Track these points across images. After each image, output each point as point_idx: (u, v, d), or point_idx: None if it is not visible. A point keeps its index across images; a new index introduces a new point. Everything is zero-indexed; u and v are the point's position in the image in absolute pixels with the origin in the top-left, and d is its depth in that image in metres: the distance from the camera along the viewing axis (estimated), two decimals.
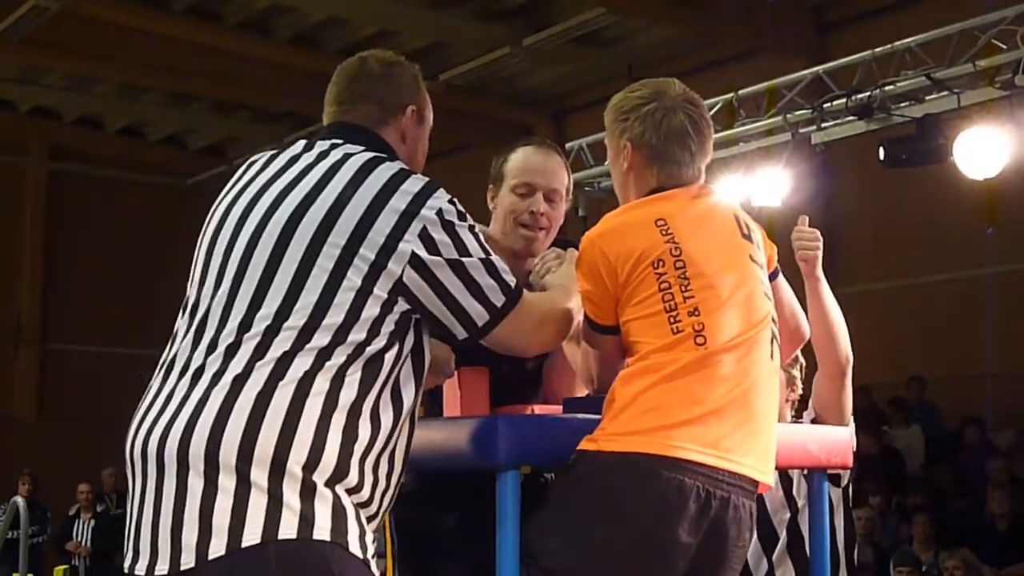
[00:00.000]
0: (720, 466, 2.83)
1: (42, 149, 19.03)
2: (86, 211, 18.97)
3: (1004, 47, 8.64)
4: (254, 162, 2.90)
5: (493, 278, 2.71)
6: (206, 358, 2.59)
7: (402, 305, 2.62)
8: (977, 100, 8.87)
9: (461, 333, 2.71)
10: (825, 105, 9.62)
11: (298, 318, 2.55)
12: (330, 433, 2.51)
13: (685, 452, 2.80)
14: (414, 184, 2.72)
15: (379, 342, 2.59)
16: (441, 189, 2.75)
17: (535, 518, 2.86)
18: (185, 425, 2.52)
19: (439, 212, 2.68)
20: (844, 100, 9.41)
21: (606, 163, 11.59)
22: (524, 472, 2.87)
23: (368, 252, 2.59)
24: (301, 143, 2.91)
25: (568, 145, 11.90)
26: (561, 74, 15.46)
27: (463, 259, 2.67)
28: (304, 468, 2.47)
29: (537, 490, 2.90)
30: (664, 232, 2.98)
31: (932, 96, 9.08)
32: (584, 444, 2.87)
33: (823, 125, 9.76)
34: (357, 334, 2.56)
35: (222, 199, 2.83)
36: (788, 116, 9.91)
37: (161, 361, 2.71)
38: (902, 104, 9.27)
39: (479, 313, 2.70)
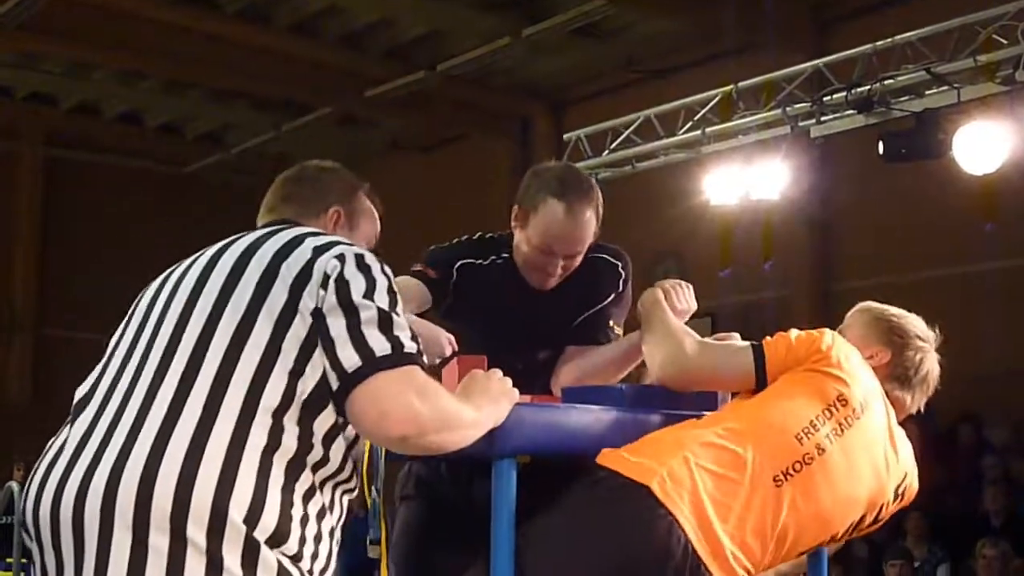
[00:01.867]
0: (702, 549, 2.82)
1: (38, 135, 18.98)
2: (82, 198, 18.94)
3: (1005, 42, 8.63)
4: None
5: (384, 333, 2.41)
6: (125, 404, 2.40)
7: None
8: (977, 95, 8.86)
9: (334, 382, 2.39)
10: (824, 99, 9.61)
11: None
12: (270, 487, 2.30)
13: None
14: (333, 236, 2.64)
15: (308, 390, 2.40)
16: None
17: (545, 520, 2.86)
18: (108, 478, 2.28)
19: (346, 257, 2.50)
20: (844, 94, 9.40)
21: (604, 153, 11.63)
22: (522, 462, 2.85)
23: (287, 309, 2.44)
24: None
25: (566, 136, 11.91)
26: (561, 65, 15.42)
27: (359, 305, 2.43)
28: (246, 522, 2.25)
29: (536, 482, 2.87)
30: (860, 408, 3.08)
31: (932, 91, 9.07)
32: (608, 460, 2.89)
33: (822, 119, 9.75)
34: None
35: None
36: (787, 109, 9.89)
37: (73, 408, 2.52)
38: (902, 98, 9.26)
39: (351, 360, 2.37)
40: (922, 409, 3.34)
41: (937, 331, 3.35)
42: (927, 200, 11.81)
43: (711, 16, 13.08)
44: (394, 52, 15.36)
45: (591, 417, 3.05)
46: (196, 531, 2.22)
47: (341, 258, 2.48)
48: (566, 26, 13.59)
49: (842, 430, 2.99)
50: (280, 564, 2.30)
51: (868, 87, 9.22)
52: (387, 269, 2.53)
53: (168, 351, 2.45)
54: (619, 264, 3.77)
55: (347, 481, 2.50)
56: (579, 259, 3.64)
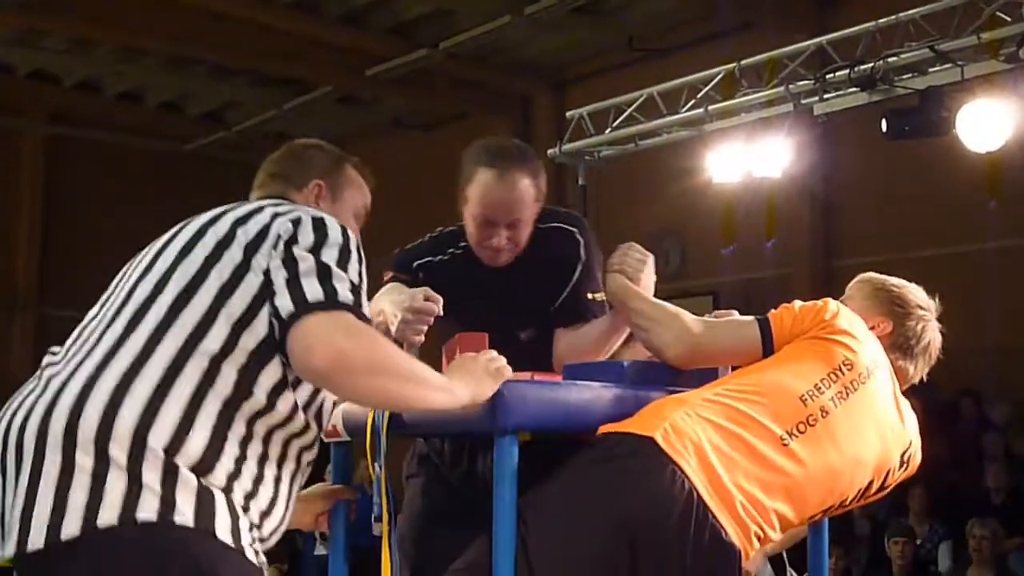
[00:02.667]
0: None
1: (40, 113, 18.94)
2: (84, 176, 18.92)
3: (1008, 19, 8.61)
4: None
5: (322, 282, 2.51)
6: (77, 353, 2.55)
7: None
8: (981, 73, 8.85)
9: (276, 332, 2.50)
10: (827, 76, 9.58)
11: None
12: (198, 422, 2.41)
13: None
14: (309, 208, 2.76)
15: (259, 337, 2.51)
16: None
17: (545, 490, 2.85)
18: (47, 406, 2.44)
19: (303, 220, 2.62)
20: (847, 71, 9.37)
21: (606, 131, 11.62)
22: (523, 439, 2.85)
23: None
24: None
25: (569, 114, 11.88)
26: (562, 44, 15.38)
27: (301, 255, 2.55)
28: (166, 450, 2.37)
29: (537, 459, 2.87)
30: (865, 371, 3.10)
31: (935, 68, 9.05)
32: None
33: (825, 96, 9.73)
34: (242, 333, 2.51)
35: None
36: (790, 87, 9.87)
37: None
38: (905, 76, 9.23)
39: (286, 307, 2.48)
40: (925, 379, 3.34)
41: (937, 300, 3.35)
42: (930, 178, 11.80)
43: None
44: (396, 30, 15.31)
45: (592, 394, 3.04)
46: (118, 452, 2.35)
47: (297, 221, 2.59)
48: (567, 4, 13.54)
49: (847, 394, 3.00)
50: (201, 484, 2.39)
51: (871, 65, 9.19)
52: (349, 234, 2.63)
53: (122, 305, 2.60)
54: (575, 230, 3.75)
55: (300, 435, 2.60)
56: (524, 229, 3.61)
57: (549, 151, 11.94)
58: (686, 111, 10.76)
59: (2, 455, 2.48)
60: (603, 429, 2.90)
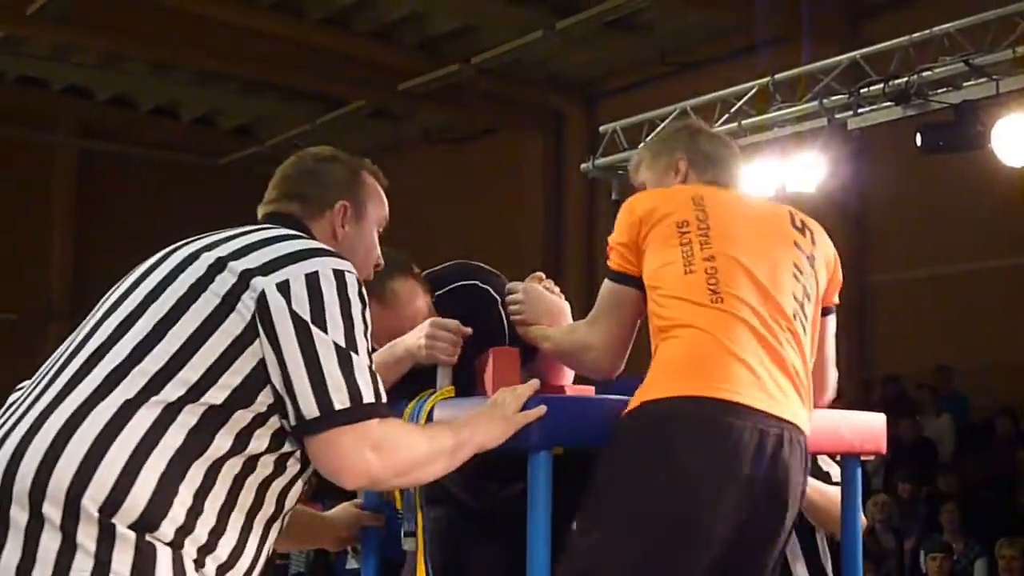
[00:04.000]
0: (767, 410, 2.80)
1: (74, 128, 19.13)
2: (117, 190, 19.07)
3: None
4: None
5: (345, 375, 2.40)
6: (34, 389, 2.43)
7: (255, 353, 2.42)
8: (1016, 87, 8.77)
9: (291, 416, 2.40)
10: (862, 91, 9.53)
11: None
12: (143, 475, 2.29)
13: (731, 395, 2.78)
14: (308, 244, 2.57)
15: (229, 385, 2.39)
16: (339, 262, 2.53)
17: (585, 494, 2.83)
18: None
19: (316, 272, 2.46)
20: (881, 86, 9.32)
21: (639, 145, 11.56)
22: (556, 454, 2.83)
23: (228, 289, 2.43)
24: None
25: (602, 128, 11.87)
26: (594, 58, 15.40)
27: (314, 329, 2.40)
28: (101, 510, 2.26)
29: (571, 471, 2.85)
30: (697, 204, 3.05)
31: (970, 82, 8.99)
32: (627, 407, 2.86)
33: (859, 111, 9.67)
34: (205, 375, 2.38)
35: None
36: (824, 101, 9.82)
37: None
38: (939, 90, 9.18)
39: (309, 408, 2.38)
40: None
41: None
42: (965, 193, 11.74)
43: (745, 8, 13.04)
44: (427, 45, 15.37)
45: (624, 407, 3.02)
46: (52, 510, 2.25)
47: (285, 284, 2.42)
48: (599, 19, 13.56)
49: (708, 237, 2.99)
50: (143, 540, 2.28)
51: (905, 79, 9.14)
52: (348, 284, 2.49)
53: (84, 340, 2.48)
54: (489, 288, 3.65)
55: (278, 476, 2.49)
56: None
57: (582, 165, 11.93)
58: (719, 125, 10.72)
59: None
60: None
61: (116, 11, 14.43)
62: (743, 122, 10.47)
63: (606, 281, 3.13)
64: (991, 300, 12.19)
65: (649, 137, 3.41)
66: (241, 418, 2.39)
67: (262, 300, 2.40)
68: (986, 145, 8.92)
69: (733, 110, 10.60)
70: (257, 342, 2.39)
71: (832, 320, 3.27)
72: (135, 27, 14.88)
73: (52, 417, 2.32)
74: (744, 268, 2.97)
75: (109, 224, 18.80)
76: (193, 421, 2.34)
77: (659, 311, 2.96)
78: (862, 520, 3.54)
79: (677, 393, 2.80)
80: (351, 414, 2.39)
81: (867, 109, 9.62)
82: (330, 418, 2.37)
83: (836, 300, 3.28)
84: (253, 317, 2.39)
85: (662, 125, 11.04)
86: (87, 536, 2.25)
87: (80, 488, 2.26)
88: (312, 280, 2.43)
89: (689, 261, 2.95)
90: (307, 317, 2.39)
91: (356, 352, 2.42)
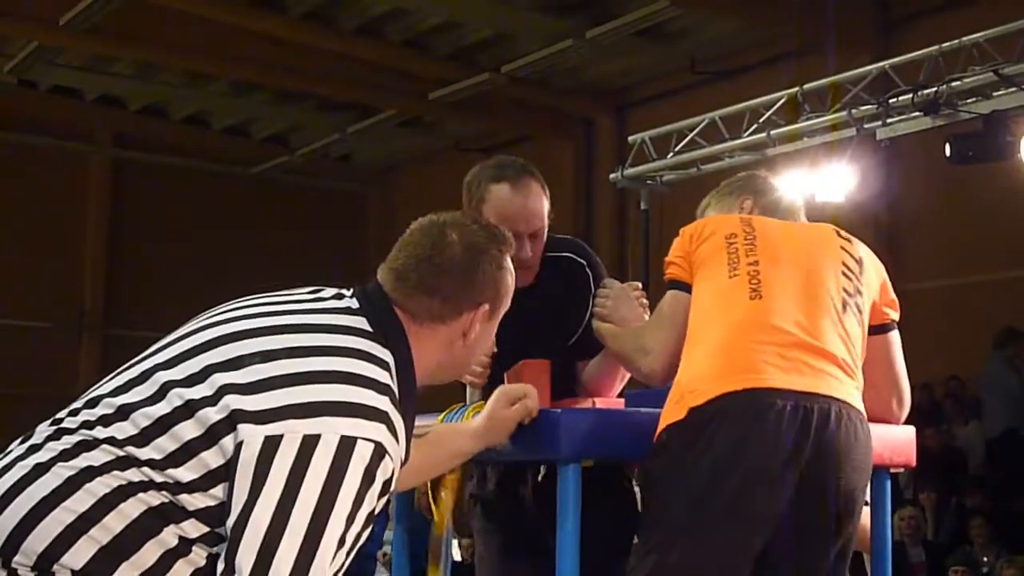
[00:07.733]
0: (808, 389, 2.85)
1: (107, 137, 19.23)
2: (150, 199, 19.15)
3: None
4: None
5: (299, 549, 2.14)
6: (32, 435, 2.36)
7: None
8: None
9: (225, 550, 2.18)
10: (891, 101, 9.54)
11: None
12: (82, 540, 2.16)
13: (765, 383, 2.84)
14: (342, 393, 2.26)
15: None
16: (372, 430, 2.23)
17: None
18: None
19: (318, 437, 2.19)
20: (910, 96, 9.33)
21: (668, 156, 11.58)
22: (586, 466, 2.87)
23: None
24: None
25: (631, 138, 11.90)
26: (624, 67, 15.41)
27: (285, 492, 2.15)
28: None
29: (601, 484, 2.89)
30: (745, 222, 3.19)
31: (1000, 92, 9.00)
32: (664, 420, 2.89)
33: (888, 121, 9.68)
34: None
35: None
36: (853, 111, 9.84)
37: None
38: (969, 100, 9.18)
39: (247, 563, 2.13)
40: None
41: None
42: (994, 202, 11.71)
43: (775, 18, 13.05)
44: (458, 54, 15.41)
45: (653, 419, 3.06)
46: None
47: (295, 430, 2.19)
48: (629, 28, 13.58)
49: (753, 246, 3.10)
50: None
51: (935, 89, 9.15)
52: (352, 465, 2.19)
53: (95, 399, 2.41)
54: (584, 263, 3.73)
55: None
56: (543, 236, 3.58)
57: (611, 175, 11.96)
58: (748, 135, 10.74)
59: None
60: None
61: (149, 21, 14.51)
62: (772, 132, 10.49)
63: (667, 292, 3.20)
64: (1020, 309, 12.15)
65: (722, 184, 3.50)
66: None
67: (239, 450, 2.18)
68: (1015, 155, 8.93)
69: (762, 120, 10.62)
70: (227, 484, 2.20)
71: (895, 336, 3.29)
72: (168, 37, 14.97)
73: (34, 471, 2.24)
74: (786, 265, 3.07)
75: (142, 233, 18.90)
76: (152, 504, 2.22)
77: (698, 310, 3.06)
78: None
79: (716, 393, 2.84)
80: None
81: (896, 119, 9.63)
82: None
83: (894, 316, 3.30)
84: (228, 463, 2.19)
85: (690, 136, 11.07)
86: None
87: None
88: (306, 446, 2.17)
89: (734, 266, 3.05)
90: (280, 485, 2.15)
91: (320, 537, 2.15)
